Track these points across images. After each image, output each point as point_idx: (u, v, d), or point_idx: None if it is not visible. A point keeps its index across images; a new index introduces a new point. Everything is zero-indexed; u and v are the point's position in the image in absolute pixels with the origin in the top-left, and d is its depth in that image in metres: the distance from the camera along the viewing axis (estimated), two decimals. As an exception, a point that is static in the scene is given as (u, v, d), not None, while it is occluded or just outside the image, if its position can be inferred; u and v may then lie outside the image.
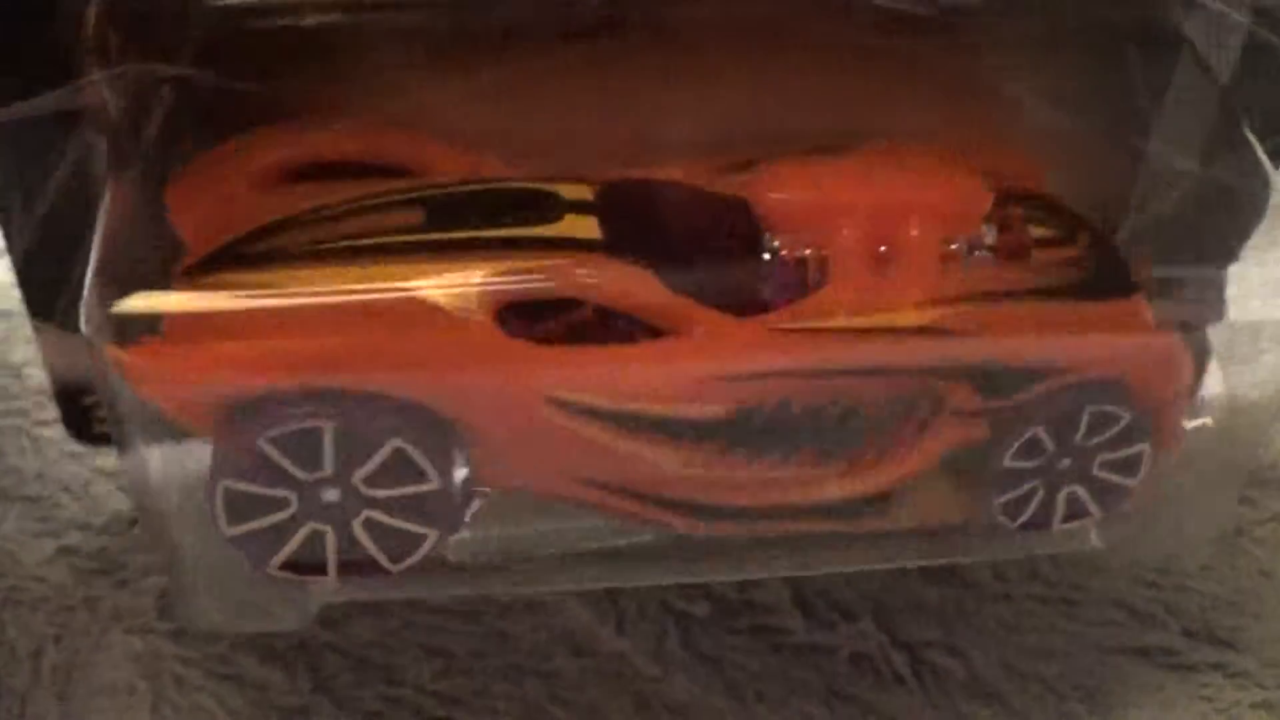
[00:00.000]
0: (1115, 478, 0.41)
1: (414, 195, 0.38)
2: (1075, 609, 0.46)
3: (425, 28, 0.40)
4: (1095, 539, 0.43)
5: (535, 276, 0.36)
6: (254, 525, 0.37)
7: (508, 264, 0.36)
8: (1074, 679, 0.45)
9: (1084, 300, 0.39)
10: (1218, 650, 0.46)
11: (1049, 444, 0.40)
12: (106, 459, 0.49)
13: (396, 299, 0.35)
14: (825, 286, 0.37)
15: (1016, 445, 0.40)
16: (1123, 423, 0.39)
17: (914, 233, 0.37)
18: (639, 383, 0.37)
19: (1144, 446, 0.40)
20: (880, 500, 0.41)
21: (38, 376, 0.51)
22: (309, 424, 0.35)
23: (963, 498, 0.42)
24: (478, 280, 0.35)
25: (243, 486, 0.36)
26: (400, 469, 0.37)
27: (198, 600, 0.41)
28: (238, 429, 0.36)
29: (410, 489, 0.37)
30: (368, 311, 0.35)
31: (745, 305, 0.37)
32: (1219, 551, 0.48)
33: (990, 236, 0.39)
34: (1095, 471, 0.41)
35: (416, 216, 0.37)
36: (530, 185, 0.38)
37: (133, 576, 0.46)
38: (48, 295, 0.39)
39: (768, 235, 0.37)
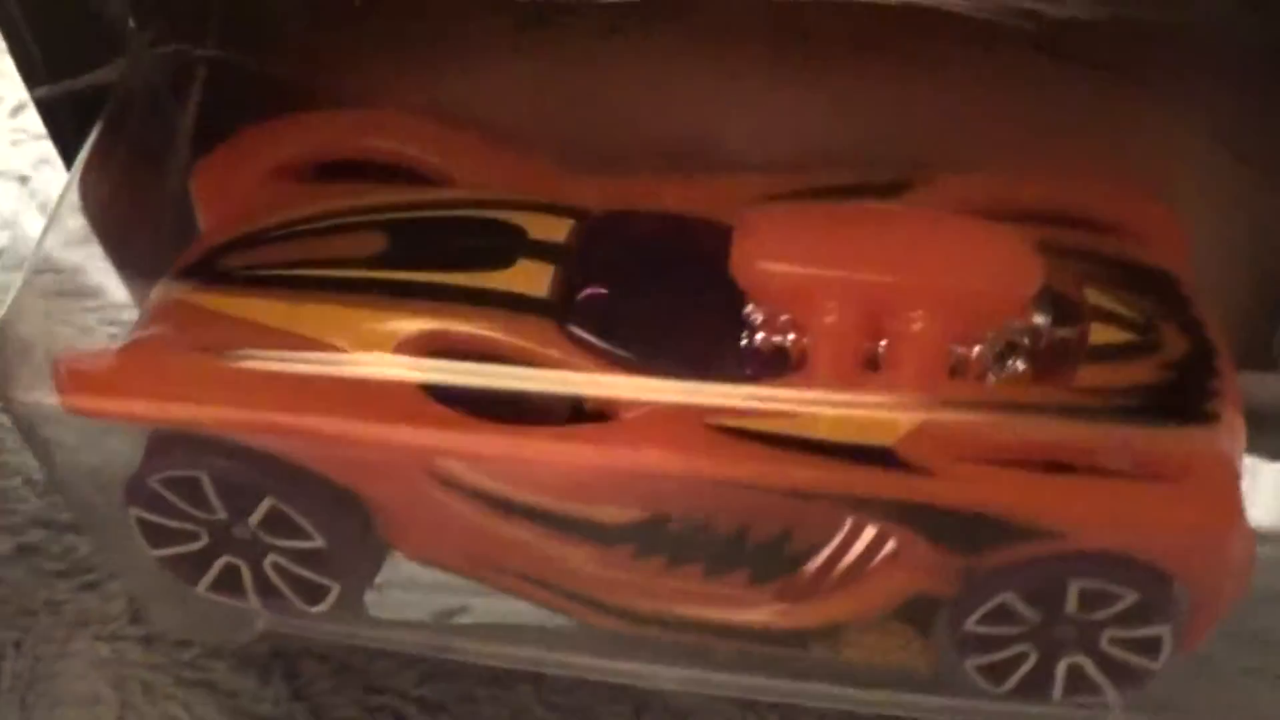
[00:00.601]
0: (1130, 657, 0.33)
1: (381, 218, 0.36)
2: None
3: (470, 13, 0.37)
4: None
5: (451, 358, 0.33)
6: (172, 551, 0.37)
7: (443, 320, 0.33)
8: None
9: (1132, 424, 0.31)
10: None
11: (1027, 612, 0.33)
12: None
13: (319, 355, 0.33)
14: (794, 379, 0.32)
15: (982, 610, 0.33)
16: (1127, 602, 0.32)
17: (917, 326, 0.31)
18: (531, 470, 0.33)
19: (1163, 629, 0.32)
20: (828, 634, 0.35)
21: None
22: (188, 472, 0.35)
23: (930, 649, 0.35)
24: (387, 362, 0.33)
25: (150, 517, 0.36)
26: (284, 524, 0.35)
27: (155, 606, 0.40)
28: (140, 466, 0.35)
29: (299, 544, 0.36)
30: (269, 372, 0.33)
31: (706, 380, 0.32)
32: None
33: (1035, 332, 0.32)
34: (1104, 647, 0.33)
35: (378, 243, 0.35)
36: (499, 216, 0.36)
37: (100, 579, 0.44)
38: (121, 246, 0.40)
39: (748, 305, 0.33)
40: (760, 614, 0.35)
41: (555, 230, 0.35)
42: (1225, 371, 0.32)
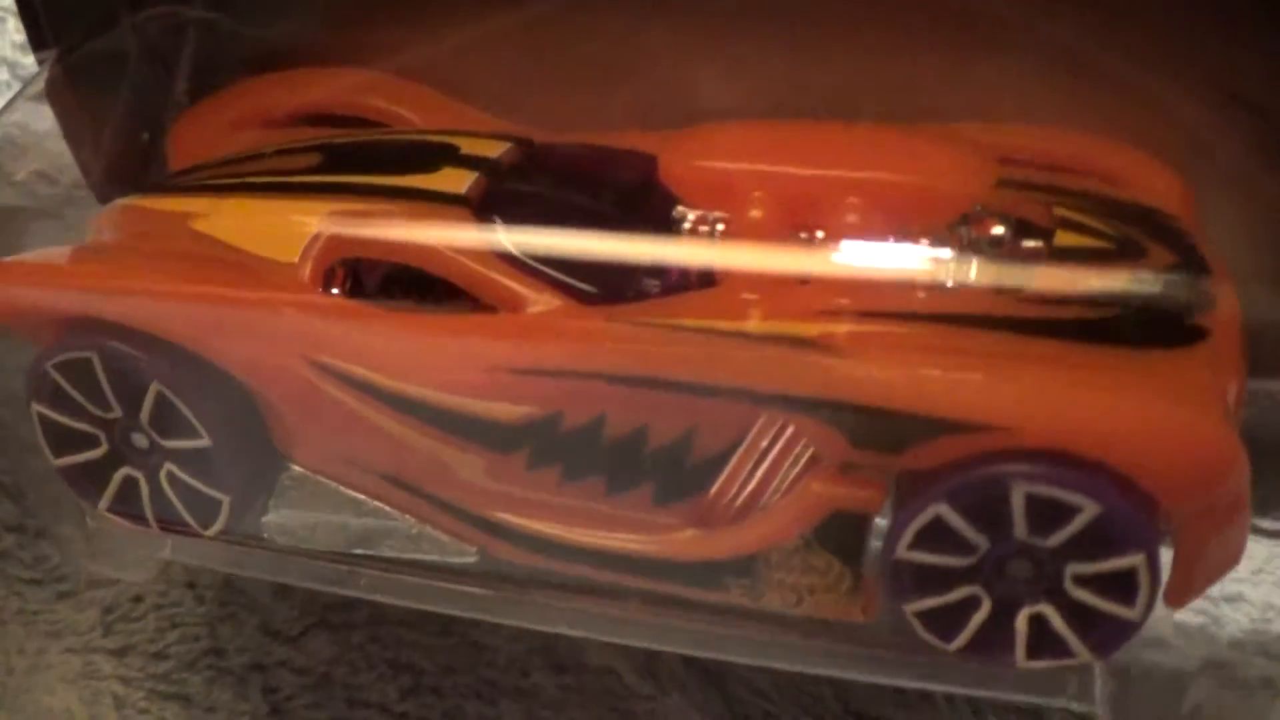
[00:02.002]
0: (1102, 602, 0.29)
1: (323, 143, 0.37)
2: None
3: None
4: (1099, 698, 0.32)
5: (344, 223, 0.33)
6: (75, 459, 0.36)
7: (355, 206, 0.33)
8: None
9: (1095, 343, 0.28)
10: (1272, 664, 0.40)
11: (969, 534, 0.29)
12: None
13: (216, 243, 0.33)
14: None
15: (913, 528, 0.29)
16: (1086, 517, 0.28)
17: (850, 219, 0.30)
18: (419, 361, 0.32)
19: (1135, 558, 0.28)
20: (743, 569, 0.32)
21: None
22: (79, 353, 0.34)
23: (867, 594, 0.31)
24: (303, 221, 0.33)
25: (51, 414, 0.36)
26: (172, 418, 0.34)
27: (58, 530, 0.40)
28: (38, 353, 0.35)
29: (187, 442, 0.35)
30: (169, 253, 0.34)
31: (621, 292, 0.31)
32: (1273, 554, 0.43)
33: (996, 241, 0.30)
34: (1069, 588, 0.29)
35: (313, 160, 0.36)
36: (437, 138, 0.36)
37: (75, 589, 0.42)
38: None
39: (677, 209, 0.32)
40: (667, 541, 0.32)
41: (489, 149, 0.35)
42: (1222, 293, 0.30)
